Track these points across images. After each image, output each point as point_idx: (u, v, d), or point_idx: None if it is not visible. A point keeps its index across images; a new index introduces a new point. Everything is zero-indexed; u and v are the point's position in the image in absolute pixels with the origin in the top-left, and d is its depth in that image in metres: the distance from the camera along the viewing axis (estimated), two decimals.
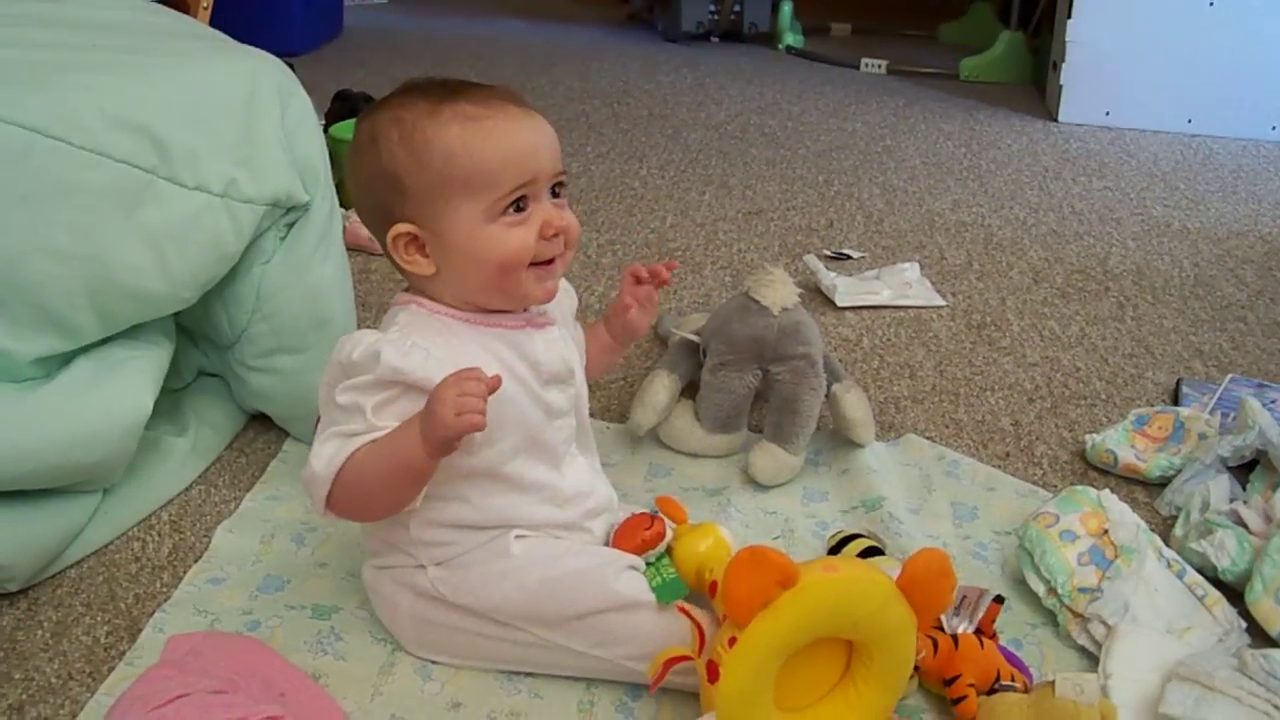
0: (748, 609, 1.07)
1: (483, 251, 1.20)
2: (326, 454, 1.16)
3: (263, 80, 1.58)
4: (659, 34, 5.25)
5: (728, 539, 1.28)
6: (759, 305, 1.68)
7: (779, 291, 1.68)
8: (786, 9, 5.07)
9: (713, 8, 5.06)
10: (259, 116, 1.55)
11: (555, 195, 1.24)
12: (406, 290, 1.30)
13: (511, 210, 1.20)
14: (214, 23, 2.58)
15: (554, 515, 1.30)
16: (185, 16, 1.86)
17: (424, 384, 1.14)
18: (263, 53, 1.65)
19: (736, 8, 5.08)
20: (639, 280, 1.42)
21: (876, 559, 1.40)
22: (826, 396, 1.71)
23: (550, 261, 1.24)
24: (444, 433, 1.10)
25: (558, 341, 1.30)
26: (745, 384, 1.70)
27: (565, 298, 1.37)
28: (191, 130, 1.46)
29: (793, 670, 1.12)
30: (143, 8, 1.78)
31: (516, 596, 1.23)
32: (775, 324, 1.67)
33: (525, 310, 1.29)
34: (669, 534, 1.29)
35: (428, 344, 1.17)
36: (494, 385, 1.12)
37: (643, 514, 1.31)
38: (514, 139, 1.19)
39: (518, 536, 1.26)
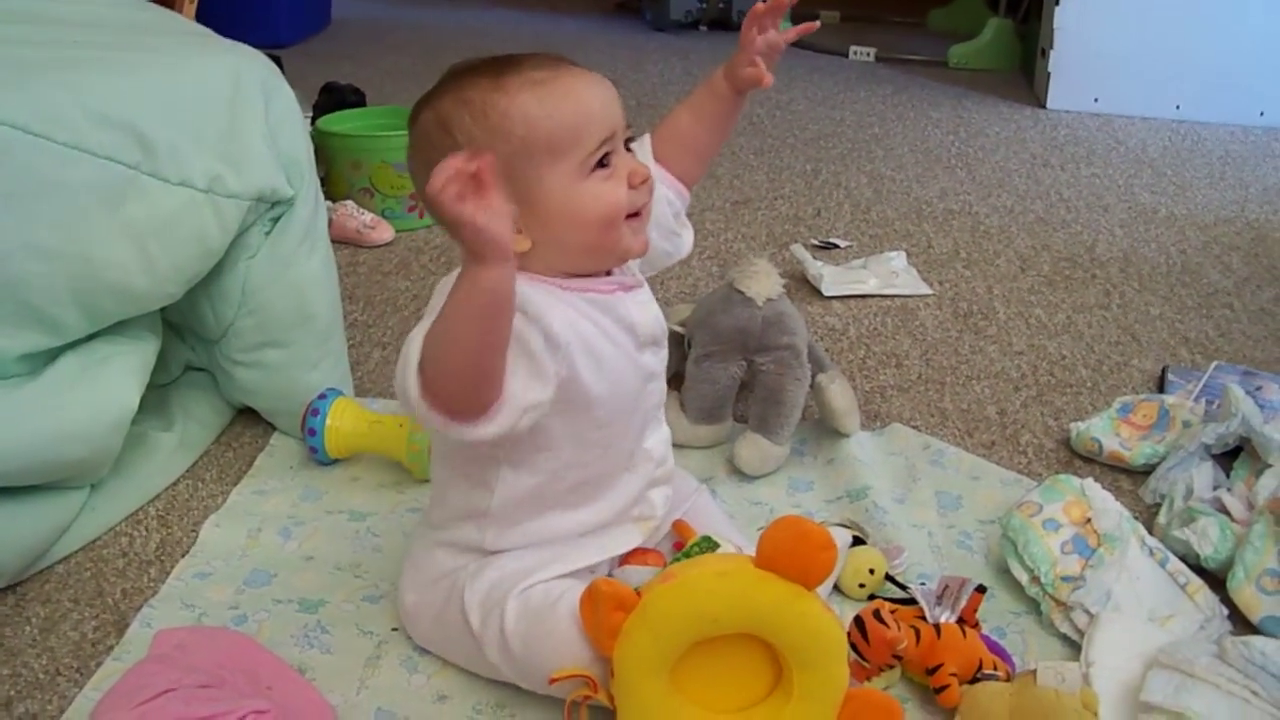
0: (605, 642, 1.11)
1: (581, 210, 1.18)
2: (414, 341, 1.09)
3: (246, 76, 1.58)
4: (647, 23, 5.25)
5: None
6: (743, 296, 1.68)
7: (763, 282, 1.69)
8: None
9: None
10: (243, 112, 1.55)
11: (627, 149, 1.22)
12: None
13: (599, 166, 1.18)
14: (202, 15, 2.58)
15: (630, 484, 1.30)
16: (169, 12, 1.86)
17: (525, 306, 1.10)
18: (247, 48, 1.66)
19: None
20: (761, 26, 1.36)
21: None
22: (811, 386, 1.72)
23: (639, 213, 1.22)
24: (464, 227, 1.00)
25: (649, 302, 1.28)
26: (730, 375, 1.70)
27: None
28: (175, 126, 1.46)
29: (716, 672, 1.12)
30: (126, 4, 1.78)
31: (503, 635, 1.21)
32: (759, 315, 1.67)
33: (610, 274, 1.26)
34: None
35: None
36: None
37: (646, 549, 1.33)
38: (588, 96, 1.18)
39: (524, 589, 1.22)
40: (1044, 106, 3.98)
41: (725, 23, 5.13)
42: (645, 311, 1.26)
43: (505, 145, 1.15)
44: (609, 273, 1.26)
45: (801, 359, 1.69)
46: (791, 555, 1.08)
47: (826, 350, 2.05)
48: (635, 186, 1.19)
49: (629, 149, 1.23)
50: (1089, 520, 1.45)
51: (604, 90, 1.20)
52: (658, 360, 1.30)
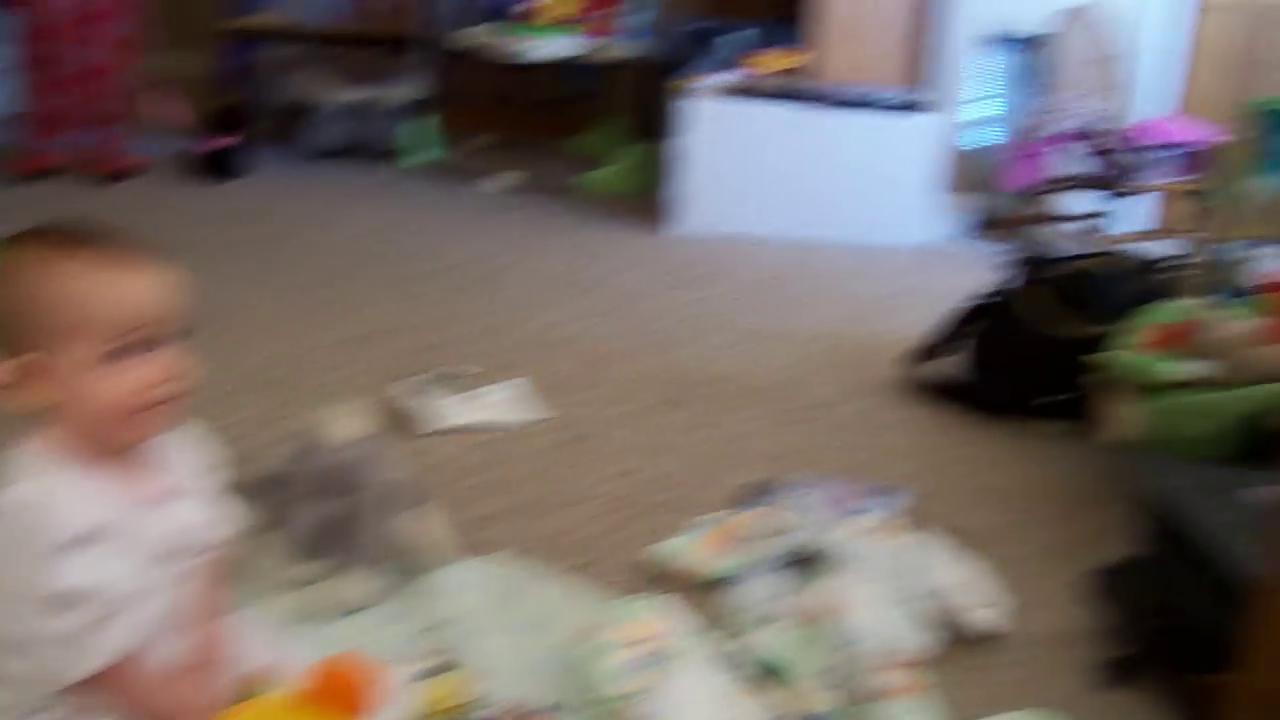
0: None
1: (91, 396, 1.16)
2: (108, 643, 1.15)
3: None
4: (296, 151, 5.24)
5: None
6: (329, 440, 1.73)
7: (347, 427, 1.74)
8: (419, 126, 5.15)
9: (342, 127, 5.09)
10: None
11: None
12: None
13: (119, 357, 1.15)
14: None
15: None
16: None
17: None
18: None
19: (365, 126, 5.12)
20: None
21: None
22: (403, 522, 1.76)
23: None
24: None
25: (183, 516, 1.26)
26: (322, 514, 1.73)
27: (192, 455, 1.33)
28: None
29: None
30: None
31: None
32: (345, 457, 1.72)
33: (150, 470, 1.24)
34: None
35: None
36: None
37: None
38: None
39: None
40: (672, 231, 4.15)
41: (365, 151, 5.16)
42: (170, 523, 1.24)
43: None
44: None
45: (389, 497, 1.74)
46: (336, 690, 1.17)
47: (431, 484, 2.10)
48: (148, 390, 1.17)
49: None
50: (652, 638, 1.54)
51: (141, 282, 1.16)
52: (168, 577, 1.25)
